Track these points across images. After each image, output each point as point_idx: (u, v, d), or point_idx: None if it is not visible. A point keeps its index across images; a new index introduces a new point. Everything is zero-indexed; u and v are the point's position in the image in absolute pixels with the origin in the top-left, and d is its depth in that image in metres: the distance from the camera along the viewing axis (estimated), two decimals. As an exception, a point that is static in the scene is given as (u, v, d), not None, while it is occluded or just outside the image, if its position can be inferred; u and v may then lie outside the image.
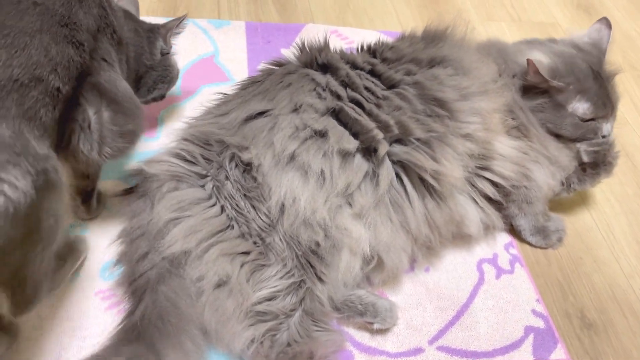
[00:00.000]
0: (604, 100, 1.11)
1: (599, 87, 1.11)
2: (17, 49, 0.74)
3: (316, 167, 0.93)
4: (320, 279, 0.93)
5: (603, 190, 1.32)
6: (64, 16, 0.81)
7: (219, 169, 0.96)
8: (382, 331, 0.98)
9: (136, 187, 1.01)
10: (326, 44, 1.11)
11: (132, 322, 0.87)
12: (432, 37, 1.12)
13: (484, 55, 1.13)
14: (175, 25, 1.15)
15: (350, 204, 0.95)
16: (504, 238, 1.17)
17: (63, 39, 0.80)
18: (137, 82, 1.11)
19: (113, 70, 0.92)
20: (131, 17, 1.09)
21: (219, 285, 0.90)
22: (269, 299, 0.90)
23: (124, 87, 0.93)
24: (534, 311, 1.05)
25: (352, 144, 0.96)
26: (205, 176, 0.97)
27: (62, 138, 0.87)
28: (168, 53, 1.15)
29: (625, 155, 1.41)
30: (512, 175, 1.06)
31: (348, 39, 1.60)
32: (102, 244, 1.04)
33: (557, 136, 1.14)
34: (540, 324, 1.03)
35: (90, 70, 0.87)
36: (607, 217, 1.27)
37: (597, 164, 1.16)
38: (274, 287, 0.90)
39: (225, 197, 0.94)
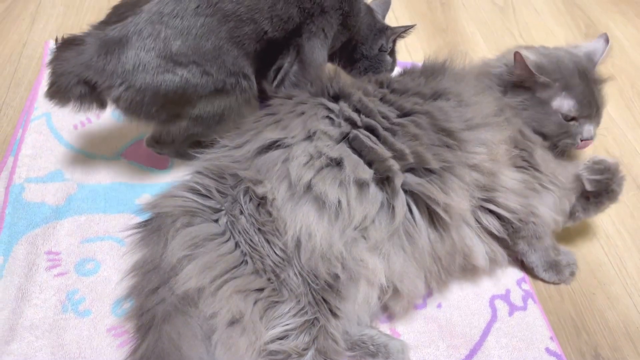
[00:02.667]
0: (589, 100, 1.13)
1: (585, 86, 1.13)
2: None
3: (333, 197, 0.93)
4: (334, 314, 0.93)
5: (614, 222, 1.32)
6: None
7: (233, 203, 0.97)
8: None
9: (149, 221, 1.01)
10: (337, 73, 1.12)
11: None
12: (432, 71, 1.14)
13: (482, 88, 1.14)
14: (401, 32, 1.33)
15: (365, 237, 0.95)
16: (516, 273, 1.16)
17: (294, 2, 1.10)
18: (351, 64, 1.33)
19: (320, 40, 1.18)
20: (372, 14, 1.31)
21: (232, 322, 0.90)
22: (282, 338, 0.89)
23: (318, 56, 1.18)
24: (547, 349, 1.04)
25: (367, 173, 0.96)
26: (219, 210, 0.97)
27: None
28: (385, 51, 1.33)
29: (637, 188, 1.41)
30: (517, 207, 1.06)
31: (358, 69, 1.61)
32: (114, 278, 1.04)
33: (558, 153, 1.16)
34: (554, 362, 1.03)
35: (302, 32, 1.15)
36: (619, 251, 1.26)
37: (600, 193, 1.16)
38: (287, 324, 0.90)
39: (239, 232, 0.94)
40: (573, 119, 1.13)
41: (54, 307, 0.99)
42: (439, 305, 1.08)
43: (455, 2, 2.00)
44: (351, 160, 0.97)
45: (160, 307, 0.91)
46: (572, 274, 1.17)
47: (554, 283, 1.16)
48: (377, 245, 0.95)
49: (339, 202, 0.93)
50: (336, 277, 0.92)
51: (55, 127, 1.29)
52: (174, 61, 1.01)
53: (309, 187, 0.94)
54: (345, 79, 1.11)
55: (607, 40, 1.20)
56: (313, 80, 1.12)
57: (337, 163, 0.96)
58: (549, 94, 1.12)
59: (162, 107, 1.05)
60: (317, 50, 1.17)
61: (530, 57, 1.13)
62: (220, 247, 0.94)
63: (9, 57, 1.49)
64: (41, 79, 1.40)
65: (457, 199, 0.98)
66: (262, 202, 0.95)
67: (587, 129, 1.15)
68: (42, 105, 1.33)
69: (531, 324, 1.08)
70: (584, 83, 1.13)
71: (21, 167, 1.20)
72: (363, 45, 1.31)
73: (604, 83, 1.17)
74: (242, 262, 0.93)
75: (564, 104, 1.12)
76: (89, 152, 1.26)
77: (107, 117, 1.34)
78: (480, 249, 1.06)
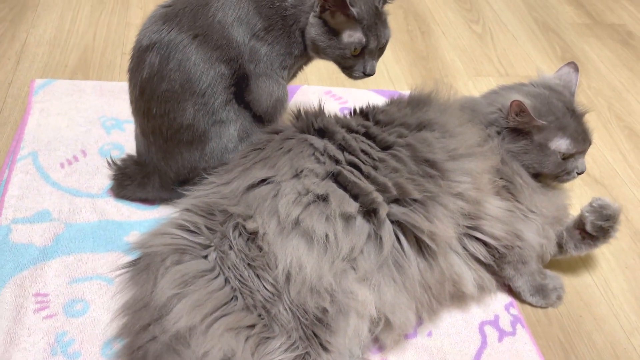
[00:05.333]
0: (583, 136, 1.16)
1: (577, 123, 1.16)
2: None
3: (320, 231, 0.95)
4: (325, 349, 0.93)
5: (598, 244, 1.34)
6: None
7: (222, 239, 0.97)
8: None
9: (138, 260, 1.01)
10: (321, 110, 1.14)
11: None
12: (418, 102, 1.16)
13: (466, 119, 1.17)
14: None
15: (354, 268, 0.96)
16: (504, 298, 1.18)
17: (217, 61, 1.10)
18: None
19: (267, 77, 1.15)
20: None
21: None
22: None
23: (266, 90, 1.16)
24: (537, 374, 1.05)
25: (352, 206, 0.98)
26: (209, 246, 0.98)
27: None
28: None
29: (618, 209, 1.44)
30: (502, 235, 1.08)
31: (342, 99, 1.64)
32: (103, 319, 1.03)
33: (547, 183, 1.19)
34: (544, 388, 1.03)
35: (247, 73, 1.15)
36: (604, 272, 1.28)
37: (597, 237, 1.18)
38: None
39: (229, 268, 0.95)
40: (570, 156, 1.16)
41: (42, 351, 0.98)
42: (429, 334, 1.09)
43: (435, 31, 2.05)
44: (336, 195, 0.99)
45: (152, 345, 0.90)
46: (559, 297, 1.18)
47: (541, 307, 1.18)
48: (367, 276, 0.96)
49: (327, 235, 0.95)
50: (325, 311, 0.92)
51: (42, 166, 1.30)
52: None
53: (297, 223, 0.96)
54: (330, 116, 1.13)
55: (576, 69, 1.24)
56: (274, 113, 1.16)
57: (324, 199, 0.98)
58: (546, 136, 1.14)
59: None
60: (264, 85, 1.14)
61: (525, 101, 1.13)
62: (210, 283, 0.94)
63: (-6, 97, 1.50)
64: (27, 118, 1.41)
65: (442, 227, 1.00)
66: (252, 237, 0.96)
67: (582, 162, 1.18)
68: (29, 144, 1.34)
69: (520, 349, 1.09)
70: (574, 120, 1.16)
71: (7, 208, 1.20)
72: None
73: (586, 114, 1.21)
74: (232, 298, 0.93)
75: (561, 143, 1.14)
76: (76, 190, 1.26)
77: (94, 154, 1.35)
78: (468, 275, 1.07)
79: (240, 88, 1.14)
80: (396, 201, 1.01)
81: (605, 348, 1.13)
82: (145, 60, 1.09)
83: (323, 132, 1.09)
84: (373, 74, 1.15)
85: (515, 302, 1.18)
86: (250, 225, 0.96)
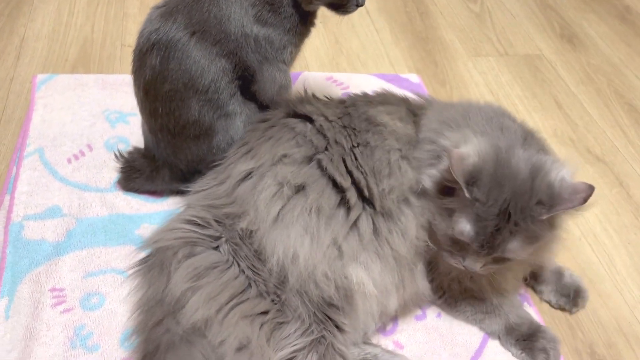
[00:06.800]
0: (487, 240, 0.91)
1: (495, 223, 0.90)
2: None
3: (302, 225, 0.96)
4: (340, 329, 0.95)
5: (601, 221, 1.36)
6: None
7: (232, 231, 0.99)
8: None
9: (150, 257, 1.03)
10: (306, 93, 1.15)
11: None
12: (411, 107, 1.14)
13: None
14: None
15: (342, 253, 0.97)
16: (510, 278, 1.20)
17: (219, 57, 1.11)
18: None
19: (269, 63, 1.15)
20: None
21: (240, 349, 0.92)
22: (290, 359, 0.92)
23: (272, 78, 1.17)
24: (545, 351, 1.08)
25: (331, 199, 0.99)
26: (219, 238, 1.00)
27: None
28: None
29: (620, 185, 1.46)
30: None
31: (343, 84, 1.65)
32: (120, 311, 1.06)
33: None
34: (552, 363, 1.06)
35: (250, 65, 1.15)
36: (607, 249, 1.30)
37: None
38: (295, 345, 0.92)
39: (242, 258, 0.97)
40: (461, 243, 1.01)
41: (62, 344, 1.00)
42: (439, 315, 1.12)
43: (433, 11, 2.05)
44: (315, 187, 0.99)
45: (165, 337, 0.93)
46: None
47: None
48: (356, 257, 0.98)
49: (308, 228, 0.96)
50: (330, 297, 0.95)
51: (49, 162, 1.30)
52: None
53: (278, 219, 0.97)
54: (311, 103, 1.13)
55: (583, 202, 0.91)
56: (279, 101, 1.15)
57: (302, 188, 0.99)
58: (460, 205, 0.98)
59: None
60: (267, 73, 1.15)
61: (469, 159, 0.93)
62: (223, 274, 0.96)
63: (-4, 93, 1.50)
64: (31, 114, 1.42)
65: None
66: (248, 233, 0.98)
67: (469, 260, 0.97)
68: (35, 140, 1.35)
69: (528, 327, 1.11)
70: (496, 219, 0.93)
71: (18, 205, 1.21)
72: None
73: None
74: (246, 287, 0.95)
75: (460, 223, 0.97)
76: (85, 185, 1.27)
77: (100, 148, 1.36)
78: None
79: (245, 81, 1.14)
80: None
81: (610, 323, 1.16)
82: (147, 62, 1.10)
83: (306, 117, 1.09)
84: (364, 4, 1.13)
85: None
86: (243, 223, 0.98)
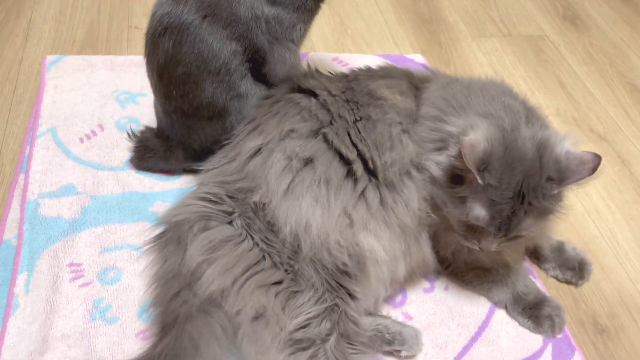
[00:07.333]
0: (504, 222, 0.94)
1: (510, 205, 0.92)
2: None
3: (312, 196, 0.99)
4: (353, 297, 0.98)
5: (603, 198, 1.39)
6: None
7: (245, 206, 1.02)
8: (409, 358, 1.03)
9: (166, 232, 1.05)
10: (310, 69, 1.17)
11: (151, 355, 0.91)
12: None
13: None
14: None
15: (353, 221, 1.00)
16: (516, 252, 1.23)
17: (229, 39, 1.12)
18: None
19: (279, 43, 1.17)
20: None
21: (256, 317, 0.95)
22: (305, 326, 0.94)
23: (282, 59, 1.18)
24: (550, 321, 1.11)
25: (339, 171, 1.02)
26: (232, 213, 1.02)
27: None
28: None
29: (622, 163, 1.48)
30: None
31: (349, 64, 1.66)
32: (137, 284, 1.08)
33: None
34: (557, 333, 1.10)
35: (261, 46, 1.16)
36: (609, 224, 1.33)
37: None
38: (309, 312, 0.95)
39: (255, 231, 1.00)
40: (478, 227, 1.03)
41: (82, 317, 1.03)
42: (447, 288, 1.15)
43: (437, -8, 2.06)
44: (323, 159, 1.02)
45: (183, 308, 0.95)
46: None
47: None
48: (366, 225, 1.00)
49: (318, 199, 0.99)
50: (345, 264, 0.97)
51: (62, 142, 1.32)
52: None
53: (289, 191, 1.00)
54: (314, 77, 1.15)
55: (592, 171, 0.93)
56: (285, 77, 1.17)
57: (311, 161, 1.02)
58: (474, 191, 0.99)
59: None
60: (277, 54, 1.16)
61: (479, 145, 0.94)
62: (238, 246, 0.99)
63: (6, 75, 1.51)
64: (42, 95, 1.43)
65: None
66: (261, 206, 1.01)
67: (486, 242, 1.01)
68: (47, 120, 1.37)
69: (533, 298, 1.15)
70: (511, 202, 0.97)
71: (33, 183, 1.23)
72: None
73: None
74: (261, 259, 0.98)
75: (475, 209, 0.99)
76: (98, 164, 1.29)
77: (111, 128, 1.38)
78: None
79: (255, 63, 1.16)
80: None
81: (613, 295, 1.19)
82: (159, 45, 1.11)
83: (310, 92, 1.11)
84: None
85: (525, 257, 1.23)
86: (256, 197, 1.01)
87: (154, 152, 1.26)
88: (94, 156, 1.31)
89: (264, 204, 1.00)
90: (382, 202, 1.02)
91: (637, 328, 1.14)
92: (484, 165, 0.92)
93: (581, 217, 1.34)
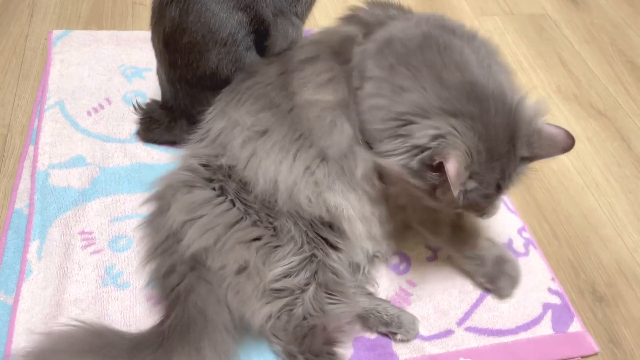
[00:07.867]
0: (496, 197, 0.95)
1: (495, 186, 0.93)
2: None
3: (275, 157, 1.02)
4: (335, 248, 1.01)
5: (603, 172, 1.41)
6: None
7: (218, 170, 1.05)
8: (404, 342, 1.04)
9: (154, 195, 1.09)
10: None
11: (160, 329, 0.94)
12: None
13: None
14: None
15: (318, 180, 1.01)
16: (517, 222, 1.26)
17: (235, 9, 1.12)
18: None
19: (283, 17, 1.19)
20: None
21: (240, 271, 0.97)
22: (285, 276, 0.97)
23: (284, 32, 1.19)
24: (550, 289, 1.14)
25: (292, 144, 1.03)
26: (212, 179, 1.05)
27: None
28: None
29: (621, 139, 1.51)
30: None
31: (352, 41, 1.67)
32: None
33: None
34: (556, 300, 1.12)
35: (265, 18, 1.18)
36: (608, 197, 1.36)
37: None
38: (288, 263, 0.98)
39: (231, 193, 1.02)
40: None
41: (94, 282, 1.05)
42: (449, 257, 1.18)
43: (439, -29, 2.06)
44: (277, 131, 1.04)
45: (183, 283, 0.98)
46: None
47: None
48: (331, 187, 1.02)
49: (281, 160, 1.01)
50: (321, 217, 1.00)
51: (70, 115, 1.34)
52: None
53: (253, 154, 1.03)
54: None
55: (565, 149, 0.95)
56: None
57: (266, 132, 1.04)
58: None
59: None
60: (280, 27, 1.18)
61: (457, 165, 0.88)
62: (218, 207, 1.01)
63: (13, 50, 1.52)
64: (49, 69, 1.44)
65: None
66: (230, 168, 1.04)
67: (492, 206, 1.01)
68: (54, 94, 1.38)
69: (533, 267, 1.18)
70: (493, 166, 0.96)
71: (43, 154, 1.25)
72: None
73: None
74: (241, 218, 1.01)
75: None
76: (106, 136, 1.31)
77: (118, 101, 1.39)
78: None
79: (259, 35, 1.17)
80: None
81: (611, 264, 1.22)
82: (166, 14, 1.13)
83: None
84: None
85: (526, 226, 1.26)
86: (222, 160, 1.04)
87: (159, 123, 1.28)
88: (102, 129, 1.33)
89: (230, 167, 1.04)
90: (341, 169, 1.03)
91: (634, 295, 1.17)
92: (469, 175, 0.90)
93: (581, 190, 1.37)
